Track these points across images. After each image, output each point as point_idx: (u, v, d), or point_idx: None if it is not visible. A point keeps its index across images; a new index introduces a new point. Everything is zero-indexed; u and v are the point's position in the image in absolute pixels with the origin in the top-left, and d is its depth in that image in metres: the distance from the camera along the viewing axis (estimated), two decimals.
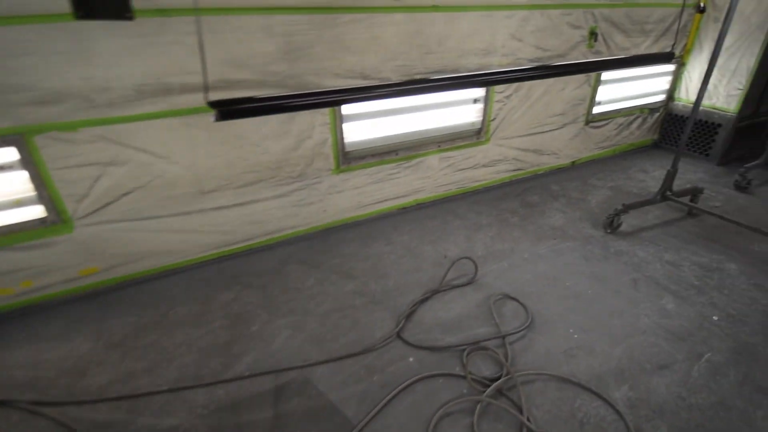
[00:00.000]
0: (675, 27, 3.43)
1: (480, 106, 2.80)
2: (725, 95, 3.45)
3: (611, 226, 2.56)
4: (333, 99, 1.54)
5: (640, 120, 3.76)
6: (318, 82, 2.17)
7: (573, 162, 3.56)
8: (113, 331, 1.85)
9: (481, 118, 2.84)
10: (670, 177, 2.60)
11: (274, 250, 2.42)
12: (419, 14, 2.29)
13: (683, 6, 3.33)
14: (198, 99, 1.93)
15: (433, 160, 2.78)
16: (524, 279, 2.18)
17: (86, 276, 2.05)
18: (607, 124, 3.55)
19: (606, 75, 3.29)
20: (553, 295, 2.07)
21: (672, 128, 3.93)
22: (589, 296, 2.06)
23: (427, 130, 2.68)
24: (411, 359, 1.68)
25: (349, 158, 2.46)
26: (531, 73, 1.80)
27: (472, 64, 2.59)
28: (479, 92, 2.75)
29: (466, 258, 2.25)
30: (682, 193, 2.74)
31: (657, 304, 2.00)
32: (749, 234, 2.53)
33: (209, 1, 1.79)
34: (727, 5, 3.28)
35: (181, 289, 2.12)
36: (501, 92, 2.82)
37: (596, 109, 3.41)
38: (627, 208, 2.56)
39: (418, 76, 2.45)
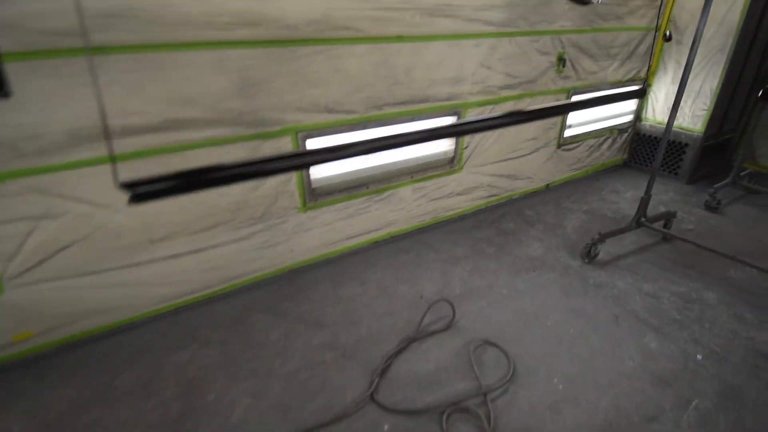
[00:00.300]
0: (640, 49, 3.48)
1: None
2: (691, 116, 3.52)
3: (589, 255, 2.50)
4: (298, 163, 1.41)
5: (610, 141, 3.79)
6: (279, 117, 2.03)
7: (547, 185, 3.53)
8: (50, 407, 1.62)
9: (453, 147, 2.76)
10: (644, 204, 2.57)
11: (236, 296, 2.23)
12: (384, 45, 2.19)
13: (656, 32, 3.39)
14: (142, 141, 1.76)
15: (405, 191, 2.67)
16: (504, 319, 2.07)
17: (20, 342, 1.81)
18: (578, 146, 3.55)
19: (576, 99, 3.28)
20: (534, 336, 1.96)
21: (640, 147, 3.97)
22: (571, 336, 1.96)
23: (398, 162, 2.57)
24: (386, 427, 1.52)
25: (316, 195, 2.32)
26: (506, 120, 1.73)
27: (441, 94, 2.52)
28: (451, 121, 2.67)
29: (443, 300, 2.13)
30: (657, 218, 2.73)
31: (640, 343, 1.93)
32: (724, 259, 2.52)
33: (152, 37, 1.63)
34: (687, 28, 3.37)
35: (130, 350, 1.90)
36: None
37: (567, 133, 3.41)
38: (603, 237, 2.51)
39: (386, 108, 2.35)
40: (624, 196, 3.45)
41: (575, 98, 3.28)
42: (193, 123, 1.83)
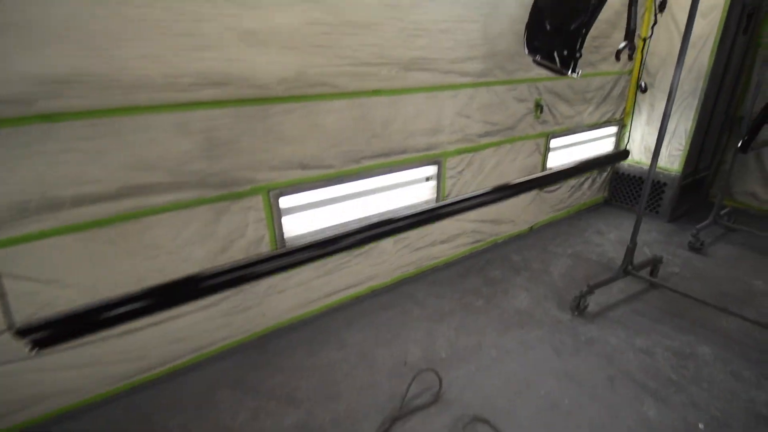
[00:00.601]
0: (614, 92, 3.56)
1: (433, 183, 2.65)
2: (668, 156, 3.56)
3: (578, 308, 2.41)
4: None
5: (590, 180, 3.79)
6: (249, 176, 1.92)
7: (531, 227, 3.48)
8: None
9: (434, 196, 2.69)
10: (630, 252, 2.52)
11: (202, 369, 2.04)
12: (362, 99, 2.14)
13: (628, 75, 3.47)
14: (98, 210, 1.61)
15: (387, 243, 2.56)
16: (494, 386, 1.93)
17: None
18: (560, 187, 3.53)
19: (555, 142, 3.30)
20: (527, 407, 1.82)
21: (620, 186, 4.00)
22: (566, 407, 1.83)
23: (377, 215, 2.47)
24: None
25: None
26: (492, 196, 1.70)
27: (420, 144, 2.46)
28: (431, 170, 2.61)
29: (429, 369, 1.97)
30: (643, 265, 2.68)
31: (638, 412, 1.80)
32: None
33: (108, 101, 1.52)
34: (659, 72, 3.46)
35: None
36: (453, 168, 2.70)
37: None
38: (592, 289, 2.43)
39: (364, 161, 2.27)
40: (608, 237, 3.41)
41: (554, 142, 3.29)
42: (153, 188, 1.70)
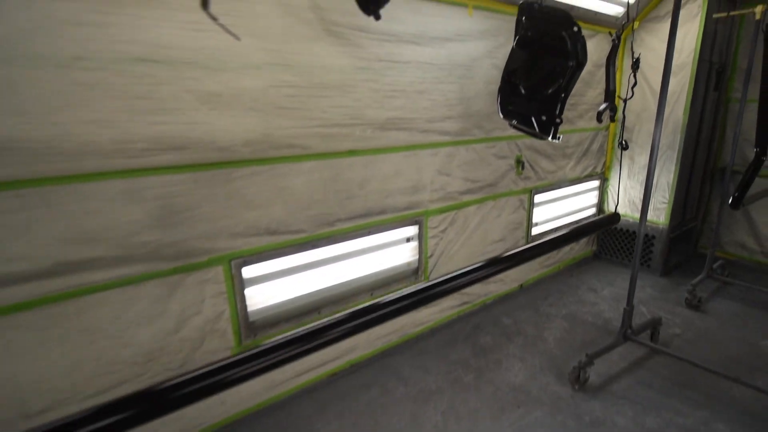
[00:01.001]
0: (593, 147, 3.57)
1: (414, 244, 2.50)
2: (653, 208, 3.51)
3: (578, 381, 2.17)
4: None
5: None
6: (208, 245, 1.74)
7: (521, 285, 3.30)
8: None
9: (417, 257, 2.52)
10: (628, 315, 2.34)
11: None
12: (334, 160, 2.03)
13: (606, 131, 3.51)
14: (21, 292, 1.39)
15: None
16: None
17: None
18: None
19: (539, 197, 3.23)
20: None
21: (607, 239, 3.90)
22: None
23: (355, 279, 2.28)
24: None
25: (255, 329, 1.94)
26: (478, 275, 1.58)
27: (400, 204, 2.34)
28: (412, 230, 2.46)
29: None
30: (642, 328, 2.48)
31: None
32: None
33: (45, 169, 1.37)
34: (635, 127, 3.51)
35: None
36: (436, 227, 2.56)
37: (535, 230, 3.29)
38: (591, 359, 2.21)
39: (339, 223, 2.12)
40: (602, 295, 3.24)
41: (539, 197, 3.23)
42: (94, 263, 1.50)
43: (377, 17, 0.88)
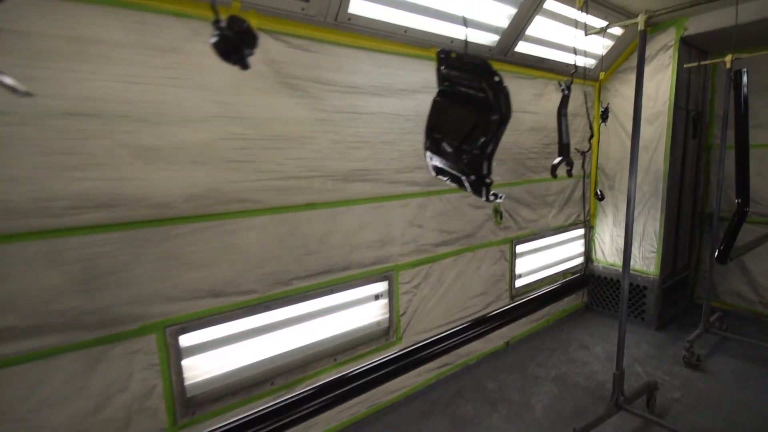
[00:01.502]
0: (575, 195, 3.49)
1: (384, 301, 2.31)
2: (641, 258, 3.36)
3: None
4: None
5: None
6: (140, 311, 1.56)
7: (507, 342, 3.07)
8: None
9: (387, 315, 2.33)
10: (619, 381, 2.12)
11: None
12: (290, 214, 1.91)
13: (584, 180, 3.44)
14: None
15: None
16: None
17: None
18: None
19: (521, 247, 3.08)
20: None
21: (598, 289, 3.71)
22: None
23: (316, 343, 2.07)
24: None
25: (194, 405, 1.71)
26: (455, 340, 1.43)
27: (366, 258, 2.19)
28: (381, 286, 2.29)
29: None
30: (637, 394, 2.24)
31: None
32: None
33: None
34: (617, 174, 3.44)
35: None
36: (408, 282, 2.39)
37: (519, 282, 3.11)
38: None
39: (296, 282, 1.95)
40: (594, 353, 3.00)
41: (521, 247, 3.08)
42: (2, 334, 1.32)
43: (243, 66, 0.79)
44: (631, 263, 3.40)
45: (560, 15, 2.61)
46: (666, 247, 3.31)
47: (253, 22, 1.65)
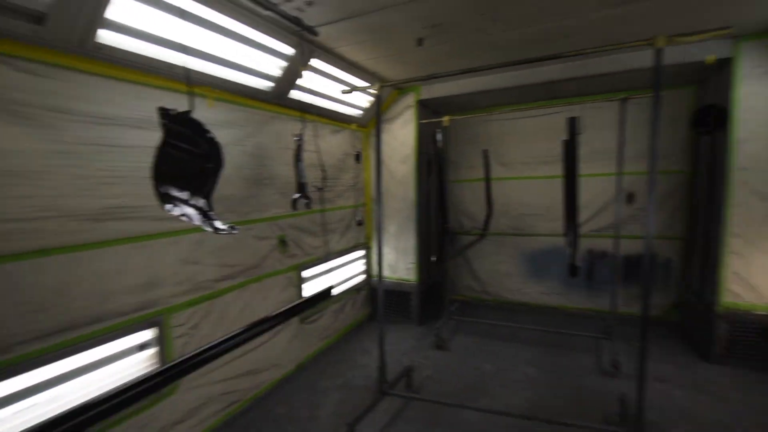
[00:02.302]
0: (354, 222, 4.06)
1: (152, 350, 2.12)
2: (405, 269, 4.19)
3: None
4: None
5: (351, 301, 4.01)
6: None
7: (298, 365, 3.25)
8: None
9: (157, 365, 2.14)
10: (381, 372, 2.58)
11: None
12: (13, 264, 1.57)
13: (362, 207, 4.02)
14: None
15: None
16: None
17: None
18: (322, 315, 3.55)
19: (308, 272, 3.37)
20: None
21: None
22: None
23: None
24: None
25: None
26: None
27: (127, 305, 1.98)
28: (147, 335, 2.10)
29: None
30: (398, 379, 2.78)
31: None
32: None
33: None
34: (385, 203, 4.18)
35: None
36: (184, 324, 2.28)
37: None
38: (351, 427, 2.28)
39: (19, 348, 1.59)
40: (373, 356, 3.52)
41: (308, 272, 3.36)
42: None
43: None
44: (399, 274, 4.20)
45: (325, 72, 3.08)
46: (422, 258, 4.23)
47: None
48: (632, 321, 3.92)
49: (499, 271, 4.78)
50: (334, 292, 3.76)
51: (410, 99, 4.08)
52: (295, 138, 2.27)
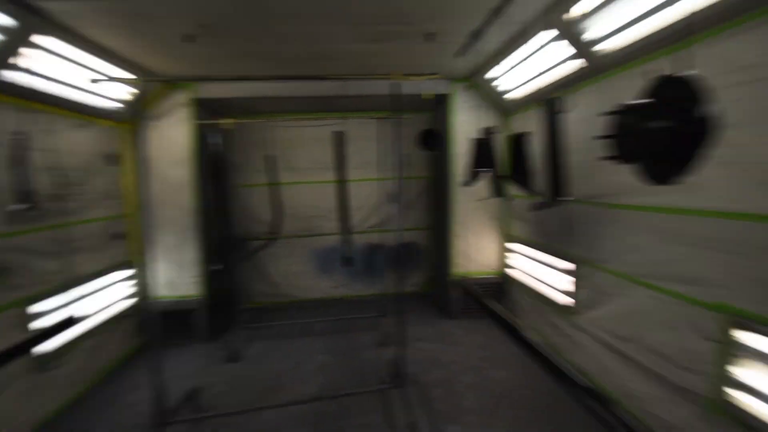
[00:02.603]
0: (103, 239, 3.35)
1: None
2: (187, 284, 3.77)
3: None
4: None
5: (108, 335, 3.28)
6: None
7: (34, 428, 2.47)
8: None
9: None
10: (159, 402, 2.28)
11: None
12: None
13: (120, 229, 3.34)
14: None
15: None
16: None
17: None
18: (71, 356, 2.80)
19: (38, 306, 2.58)
20: None
21: (154, 325, 3.80)
22: None
23: None
24: None
25: None
26: None
27: None
28: None
29: None
30: (181, 404, 2.51)
31: None
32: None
33: None
34: (159, 212, 3.64)
35: None
36: None
37: (40, 349, 2.59)
38: None
39: None
40: (148, 389, 3.02)
41: (41, 305, 2.58)
42: None
43: None
44: (180, 291, 3.76)
45: (62, 54, 2.46)
46: (208, 270, 3.90)
47: None
48: (401, 298, 4.78)
49: (292, 272, 4.94)
50: (89, 324, 3.05)
51: (183, 96, 3.70)
52: (16, 135, 1.70)
